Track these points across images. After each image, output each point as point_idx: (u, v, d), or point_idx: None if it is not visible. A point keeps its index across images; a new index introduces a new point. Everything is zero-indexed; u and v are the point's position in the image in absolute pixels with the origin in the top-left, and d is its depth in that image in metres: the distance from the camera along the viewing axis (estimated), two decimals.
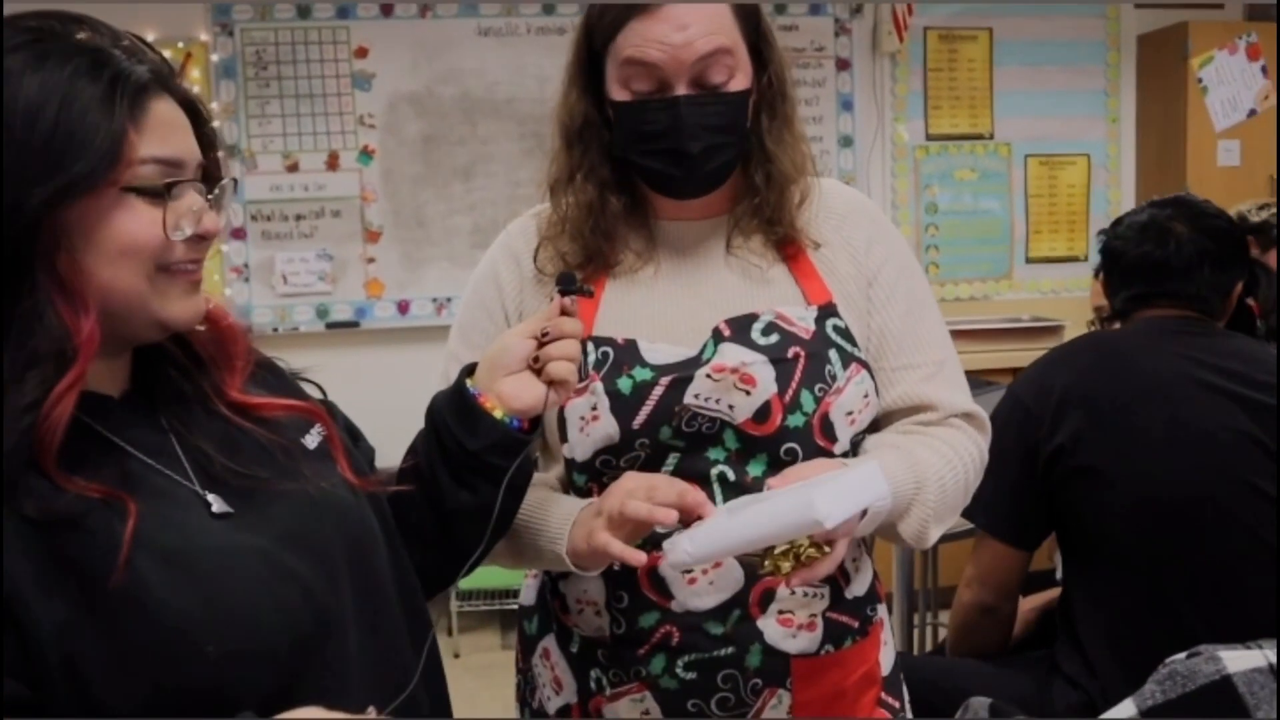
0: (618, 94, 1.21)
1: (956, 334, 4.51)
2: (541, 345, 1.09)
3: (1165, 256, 1.87)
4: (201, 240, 0.90)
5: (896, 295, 1.29)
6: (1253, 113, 4.30)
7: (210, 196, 0.91)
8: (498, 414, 1.08)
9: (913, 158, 4.47)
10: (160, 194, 0.86)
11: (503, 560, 1.26)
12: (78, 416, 0.84)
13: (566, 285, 1.11)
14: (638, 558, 1.09)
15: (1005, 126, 4.50)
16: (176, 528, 0.87)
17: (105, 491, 0.83)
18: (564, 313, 1.10)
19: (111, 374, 0.93)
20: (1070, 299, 4.46)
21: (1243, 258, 1.92)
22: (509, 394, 1.08)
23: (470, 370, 1.12)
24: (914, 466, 1.20)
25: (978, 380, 3.05)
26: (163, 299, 0.89)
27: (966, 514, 1.91)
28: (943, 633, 3.00)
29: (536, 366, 1.09)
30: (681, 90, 1.18)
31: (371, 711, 0.88)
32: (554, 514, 1.20)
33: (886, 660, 1.34)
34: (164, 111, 0.88)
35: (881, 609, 1.34)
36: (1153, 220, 1.91)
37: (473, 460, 1.07)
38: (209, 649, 0.82)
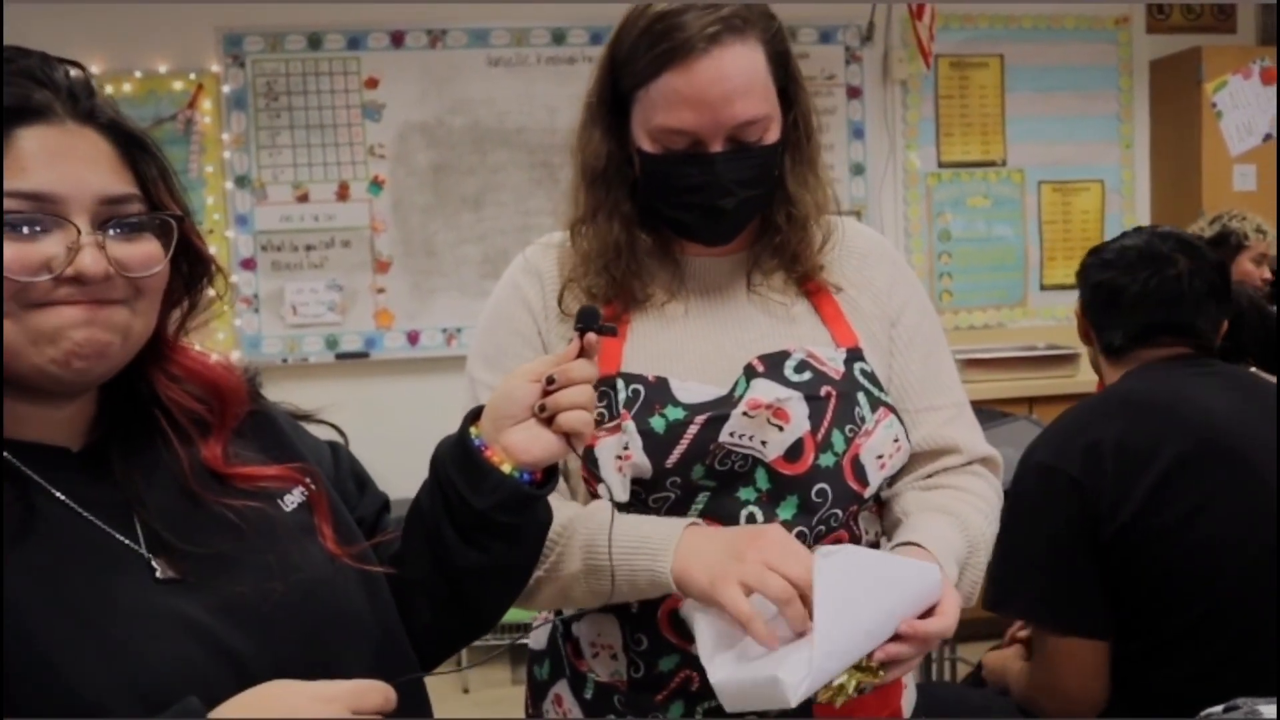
0: (646, 144, 1.18)
1: (970, 363, 4.50)
2: (548, 392, 1.00)
3: (1179, 289, 1.77)
4: (79, 282, 0.82)
5: (918, 338, 1.29)
6: (1268, 137, 4.27)
7: (96, 233, 0.82)
8: (506, 468, 0.98)
9: (925, 185, 4.45)
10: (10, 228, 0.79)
11: (581, 600, 1.17)
12: (8, 462, 0.81)
13: (589, 323, 1.02)
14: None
15: (1018, 153, 4.48)
16: (99, 587, 0.81)
17: None
18: (583, 352, 1.01)
19: (62, 425, 0.87)
20: None
21: (1230, 291, 1.86)
22: (518, 446, 0.98)
23: (475, 416, 1.04)
24: (967, 532, 1.20)
25: (992, 411, 3.01)
26: (34, 340, 0.81)
27: (1028, 617, 1.75)
28: (962, 668, 2.94)
29: (544, 416, 1.00)
30: (717, 147, 1.15)
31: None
32: (653, 537, 1.11)
33: (908, 703, 1.31)
34: (42, 140, 0.81)
35: None
36: (1150, 249, 1.81)
37: (480, 519, 0.98)
38: None
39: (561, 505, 1.17)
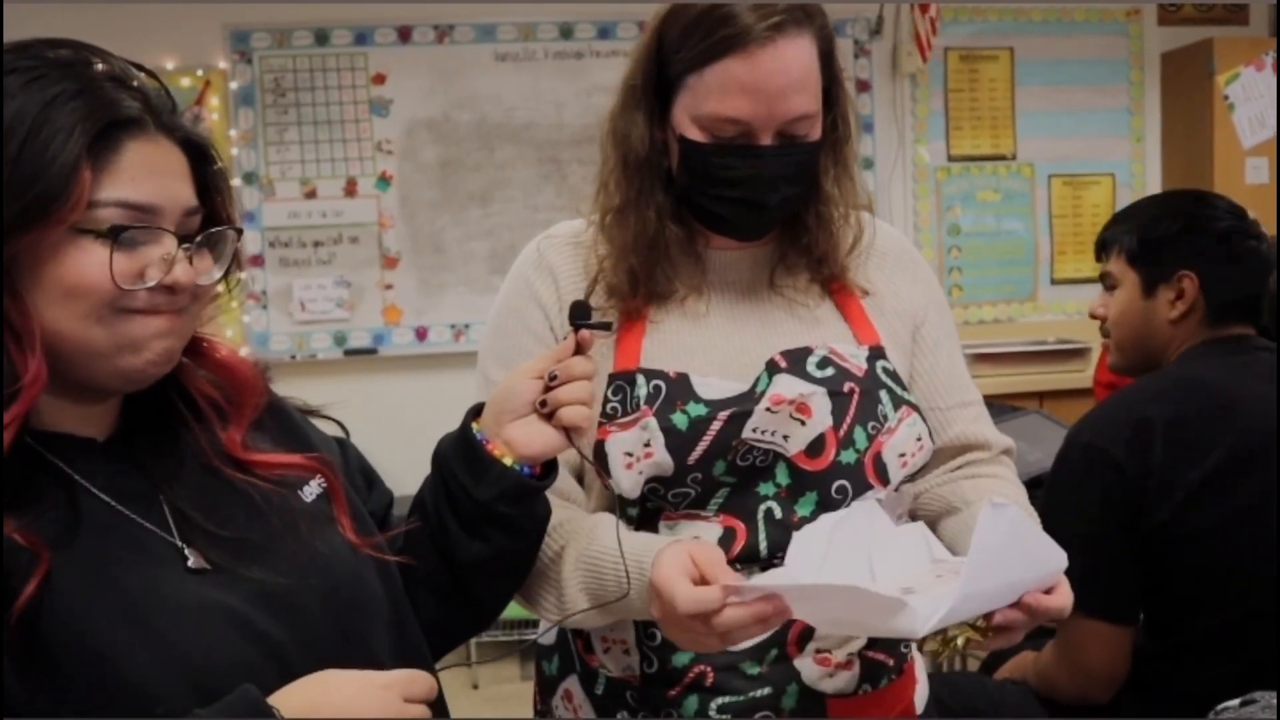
0: (691, 132, 1.15)
1: (980, 358, 4.48)
2: (549, 388, 1.02)
3: (1270, 263, 1.70)
4: (172, 292, 0.85)
5: (943, 337, 1.30)
6: None
7: (186, 246, 0.85)
8: (507, 461, 1.02)
9: (934, 179, 4.43)
10: (115, 238, 0.81)
11: (583, 618, 1.15)
12: (48, 459, 0.82)
13: (581, 318, 1.04)
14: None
15: (1028, 147, 4.45)
16: (141, 579, 0.83)
17: (28, 539, 0.78)
18: (579, 348, 1.03)
19: (94, 418, 0.89)
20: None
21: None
22: (519, 441, 1.02)
23: (476, 412, 1.06)
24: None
25: (1003, 405, 3.00)
26: (120, 346, 0.84)
27: None
28: (971, 662, 2.93)
29: (545, 411, 1.02)
30: (766, 140, 1.13)
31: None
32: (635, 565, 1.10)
33: (920, 699, 1.31)
34: (142, 152, 0.84)
35: (914, 645, 1.30)
36: (1240, 227, 1.72)
37: (482, 510, 1.02)
38: (158, 710, 0.78)
39: (575, 524, 1.17)
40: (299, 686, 0.81)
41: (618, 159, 1.20)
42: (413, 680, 0.84)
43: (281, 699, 0.80)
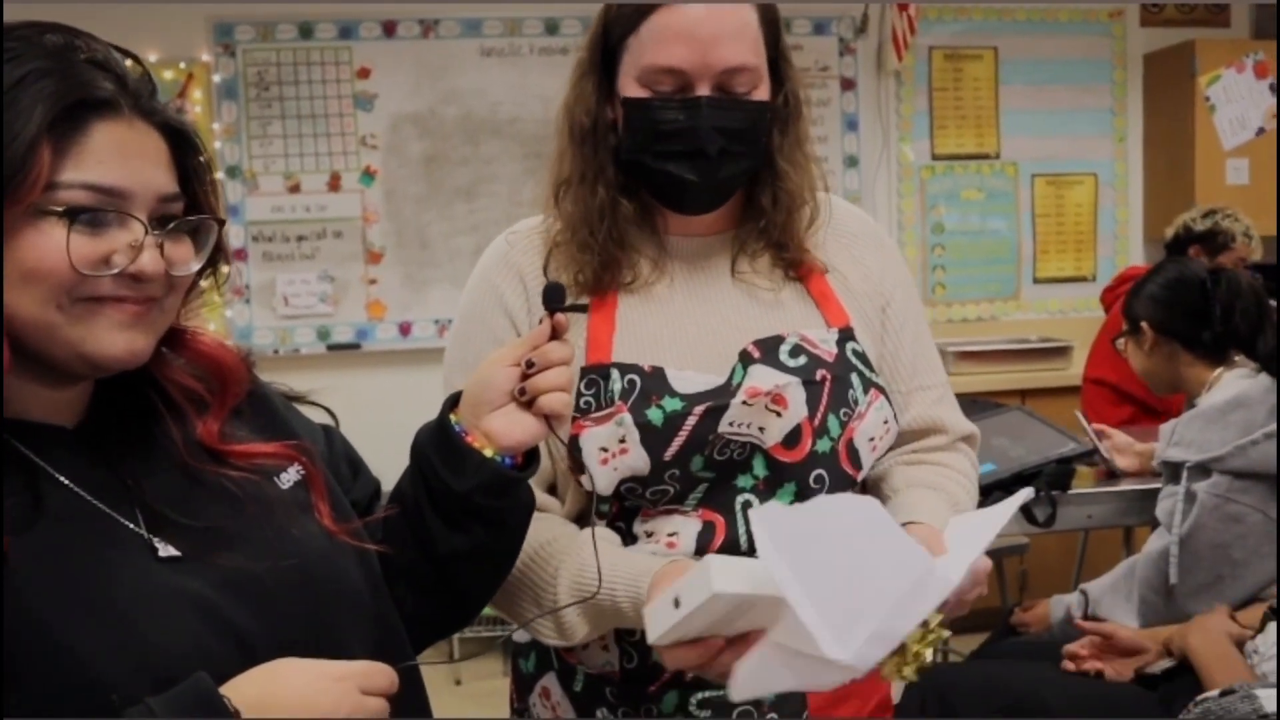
0: (632, 90, 1.16)
1: (963, 355, 4.50)
2: (526, 375, 0.99)
3: None
4: (138, 280, 0.82)
5: (909, 319, 1.29)
6: (1261, 131, 4.27)
7: (157, 233, 0.83)
8: (487, 452, 0.99)
9: (918, 178, 4.44)
10: (72, 220, 0.79)
11: (577, 629, 1.15)
12: (11, 444, 0.81)
13: (556, 301, 1.01)
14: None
15: (1011, 146, 4.47)
16: (103, 567, 0.81)
17: None
18: (554, 333, 1.00)
19: (63, 404, 0.87)
20: (1079, 319, 4.42)
21: None
22: (498, 431, 0.98)
23: (454, 401, 1.03)
24: (955, 508, 1.20)
25: (985, 402, 3.01)
26: (84, 332, 0.82)
27: None
28: (953, 658, 2.94)
29: (524, 399, 0.99)
30: (704, 91, 1.14)
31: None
32: (624, 574, 1.10)
33: (897, 688, 1.31)
34: (113, 134, 0.82)
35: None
36: None
37: (462, 502, 0.99)
38: (113, 698, 0.76)
39: (564, 548, 1.16)
40: (252, 676, 0.80)
41: (566, 131, 1.22)
42: (371, 673, 0.83)
43: (233, 689, 0.78)
